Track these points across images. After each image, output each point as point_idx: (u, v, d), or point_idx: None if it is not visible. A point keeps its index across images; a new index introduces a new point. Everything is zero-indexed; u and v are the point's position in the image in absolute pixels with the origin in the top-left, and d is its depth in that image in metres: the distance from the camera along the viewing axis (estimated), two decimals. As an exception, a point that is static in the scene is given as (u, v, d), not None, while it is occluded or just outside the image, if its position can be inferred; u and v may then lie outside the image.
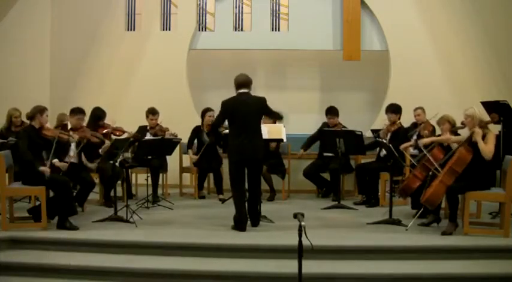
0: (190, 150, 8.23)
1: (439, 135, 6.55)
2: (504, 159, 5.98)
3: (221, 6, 9.36)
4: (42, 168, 5.94)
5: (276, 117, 6.59)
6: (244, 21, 9.27)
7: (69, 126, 6.94)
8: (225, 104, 6.09)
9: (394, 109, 7.53)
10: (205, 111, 8.22)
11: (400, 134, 7.39)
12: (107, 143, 6.99)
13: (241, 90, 6.08)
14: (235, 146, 6.02)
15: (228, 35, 9.34)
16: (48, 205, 5.93)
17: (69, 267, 5.13)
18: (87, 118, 7.24)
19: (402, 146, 6.90)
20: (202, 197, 8.15)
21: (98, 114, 7.52)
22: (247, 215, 6.01)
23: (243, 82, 6.09)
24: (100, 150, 6.98)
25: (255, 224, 6.08)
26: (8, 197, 6.03)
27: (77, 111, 6.86)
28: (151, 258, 5.29)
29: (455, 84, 9.29)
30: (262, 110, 6.16)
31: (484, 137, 5.73)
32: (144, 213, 6.79)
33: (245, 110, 5.98)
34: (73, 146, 6.71)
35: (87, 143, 6.73)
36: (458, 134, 6.36)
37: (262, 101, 6.12)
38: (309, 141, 8.20)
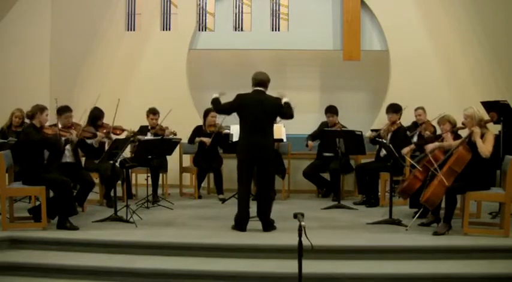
0: (197, 138, 8.10)
1: (440, 136, 6.54)
2: (504, 159, 5.98)
3: (221, 6, 9.37)
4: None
5: (288, 116, 6.13)
6: (244, 21, 9.27)
7: (59, 126, 6.89)
8: (239, 98, 6.01)
9: (396, 109, 7.53)
10: (207, 112, 8.20)
11: (400, 134, 7.40)
12: (99, 135, 7.01)
13: (257, 88, 6.02)
14: (244, 145, 5.97)
15: (228, 35, 9.34)
16: (48, 205, 5.93)
17: (69, 267, 5.14)
18: (82, 116, 7.24)
19: (404, 151, 6.87)
20: (199, 197, 8.15)
21: (96, 114, 7.52)
22: (249, 216, 5.98)
23: (261, 80, 6.01)
24: (93, 142, 7.01)
25: (265, 228, 5.94)
26: (8, 197, 6.03)
27: (63, 110, 6.76)
28: (151, 258, 5.29)
29: (455, 84, 9.29)
30: (276, 111, 6.04)
31: (482, 137, 5.73)
32: (144, 213, 6.79)
33: (258, 109, 5.90)
34: (68, 146, 6.70)
35: (81, 139, 6.71)
36: (459, 135, 6.35)
37: (277, 102, 6.01)
38: (312, 135, 8.13)
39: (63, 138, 6.40)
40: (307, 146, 8.03)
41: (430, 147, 6.14)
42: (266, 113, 5.95)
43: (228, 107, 6.13)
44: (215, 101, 6.17)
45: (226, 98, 6.20)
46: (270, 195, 6.17)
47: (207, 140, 8.00)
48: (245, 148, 5.96)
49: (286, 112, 6.10)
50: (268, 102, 5.98)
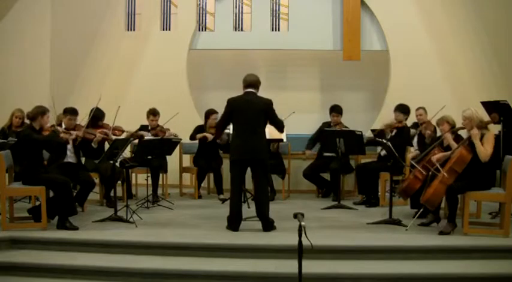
0: (199, 134, 8.13)
1: (440, 137, 6.53)
2: (504, 159, 5.97)
3: (221, 6, 9.36)
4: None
5: (277, 126, 6.23)
6: (244, 21, 9.27)
7: (63, 126, 6.91)
8: (230, 102, 6.05)
9: (404, 110, 7.54)
10: (209, 113, 8.20)
11: (404, 133, 7.43)
12: (98, 136, 6.99)
13: (248, 90, 6.05)
14: (236, 146, 6.00)
15: (228, 35, 9.34)
16: (48, 205, 5.93)
17: (69, 267, 5.14)
18: (85, 118, 7.24)
19: (410, 156, 6.91)
20: (199, 197, 8.16)
21: (98, 115, 7.52)
22: (241, 216, 6.00)
23: (251, 82, 6.05)
24: (92, 143, 7.00)
25: (264, 228, 5.95)
26: (8, 197, 6.03)
27: (69, 112, 6.76)
28: (151, 258, 5.29)
29: (455, 84, 9.29)
30: (266, 113, 6.03)
31: (482, 138, 5.72)
32: (144, 213, 6.79)
33: (249, 110, 5.93)
34: (70, 146, 6.70)
35: (82, 140, 6.71)
36: (459, 135, 6.34)
37: (267, 103, 6.02)
38: (312, 140, 8.17)
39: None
40: (304, 153, 8.16)
41: (437, 157, 6.04)
42: (256, 113, 5.96)
43: (225, 117, 6.16)
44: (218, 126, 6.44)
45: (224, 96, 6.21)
46: (267, 195, 6.19)
47: (209, 135, 8.01)
48: (237, 149, 5.98)
49: (277, 122, 6.18)
50: (258, 103, 6.00)
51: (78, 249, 5.49)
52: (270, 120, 6.15)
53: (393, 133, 7.49)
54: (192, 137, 8.19)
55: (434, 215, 6.09)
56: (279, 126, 6.25)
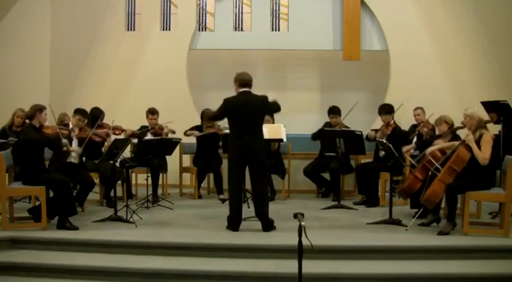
0: (189, 131, 8.19)
1: (439, 136, 6.54)
2: (504, 159, 5.98)
3: (221, 6, 9.36)
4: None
5: (275, 110, 6.37)
6: (244, 21, 9.26)
7: (70, 126, 6.97)
8: (227, 103, 6.04)
9: (388, 110, 7.49)
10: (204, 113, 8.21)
11: (397, 134, 7.38)
12: (109, 141, 7.03)
13: (243, 89, 6.04)
14: (235, 146, 5.99)
15: (228, 35, 9.34)
16: (48, 205, 5.93)
17: (69, 267, 5.15)
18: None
19: (404, 150, 6.90)
20: (199, 197, 8.17)
21: (96, 114, 7.53)
22: (241, 216, 6.00)
23: (247, 81, 6.05)
24: (103, 148, 7.03)
25: (264, 228, 5.95)
26: (8, 197, 6.03)
27: (78, 112, 6.90)
28: (151, 258, 5.29)
29: (455, 84, 9.29)
30: (264, 110, 6.10)
31: (480, 138, 5.71)
32: (144, 213, 6.79)
33: (247, 111, 5.92)
34: (74, 145, 6.72)
35: (89, 142, 6.73)
36: (457, 135, 6.35)
37: (264, 100, 6.05)
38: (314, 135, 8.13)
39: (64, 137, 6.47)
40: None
41: (430, 149, 6.12)
42: (254, 113, 5.98)
43: (219, 114, 6.22)
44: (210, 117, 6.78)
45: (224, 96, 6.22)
46: (267, 195, 6.19)
47: (196, 133, 8.08)
48: (235, 149, 5.98)
49: (273, 107, 6.27)
50: (256, 102, 6.01)
51: (78, 249, 5.49)
52: (269, 113, 6.28)
53: (385, 138, 7.41)
54: (189, 130, 8.20)
55: (434, 215, 6.09)
56: (277, 110, 6.35)
